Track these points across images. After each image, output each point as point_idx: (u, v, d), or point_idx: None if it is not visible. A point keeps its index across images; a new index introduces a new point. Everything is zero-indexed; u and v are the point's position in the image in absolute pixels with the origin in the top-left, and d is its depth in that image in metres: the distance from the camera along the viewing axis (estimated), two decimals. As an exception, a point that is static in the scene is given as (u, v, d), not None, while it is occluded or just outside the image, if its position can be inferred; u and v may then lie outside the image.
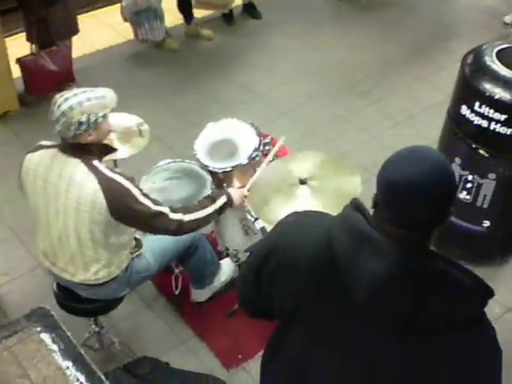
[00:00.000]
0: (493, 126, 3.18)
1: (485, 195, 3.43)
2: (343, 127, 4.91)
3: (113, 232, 2.60)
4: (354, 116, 5.02)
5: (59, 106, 2.42)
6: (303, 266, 1.57)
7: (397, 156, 1.45)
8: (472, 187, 3.43)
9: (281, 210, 2.75)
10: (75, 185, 2.49)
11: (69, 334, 2.07)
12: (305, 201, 2.83)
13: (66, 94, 2.47)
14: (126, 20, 5.59)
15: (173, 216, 2.63)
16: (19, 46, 5.03)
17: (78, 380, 1.93)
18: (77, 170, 2.50)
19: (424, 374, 1.49)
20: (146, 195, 2.58)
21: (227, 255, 3.56)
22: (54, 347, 2.02)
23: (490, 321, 1.53)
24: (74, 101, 2.42)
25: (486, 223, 3.55)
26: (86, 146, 2.52)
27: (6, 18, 4.92)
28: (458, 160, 3.41)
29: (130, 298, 3.19)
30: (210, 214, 2.80)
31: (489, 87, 3.16)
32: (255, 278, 1.71)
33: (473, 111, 3.24)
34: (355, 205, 1.53)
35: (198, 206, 2.79)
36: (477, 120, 3.23)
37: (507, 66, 3.19)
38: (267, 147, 3.39)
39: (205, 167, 3.28)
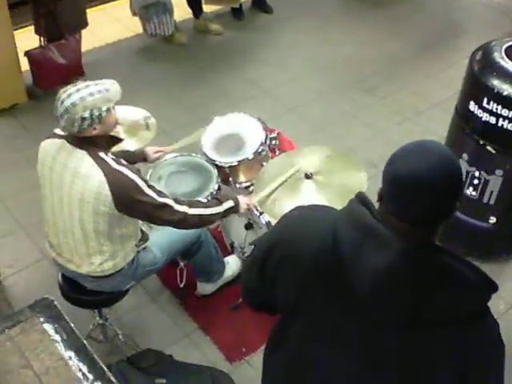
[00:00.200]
0: (501, 122, 3.17)
1: (491, 191, 3.42)
2: (350, 123, 4.90)
3: (117, 223, 2.60)
4: (362, 112, 5.01)
5: (62, 103, 2.42)
6: (308, 259, 1.57)
7: (403, 150, 1.45)
8: (479, 183, 3.42)
9: (286, 205, 2.75)
10: (80, 176, 2.50)
11: (72, 324, 2.08)
12: (310, 195, 2.83)
13: (69, 89, 2.46)
14: (134, 14, 5.61)
15: (177, 208, 2.63)
16: (28, 39, 5.04)
17: (80, 370, 1.94)
18: (83, 161, 2.51)
19: (428, 368, 1.49)
20: (151, 186, 2.59)
21: (232, 249, 3.57)
22: (57, 338, 2.03)
23: (494, 316, 1.52)
24: (77, 97, 2.42)
25: (493, 219, 3.54)
26: (91, 139, 2.52)
27: (15, 12, 4.91)
28: (465, 156, 3.40)
29: (135, 290, 3.20)
30: (214, 214, 2.79)
31: (497, 83, 3.15)
32: (259, 271, 1.71)
33: (481, 107, 3.23)
34: (360, 198, 1.52)
35: (203, 204, 2.80)
36: (485, 116, 3.22)
37: (516, 63, 3.18)
38: (274, 142, 3.39)
39: (211, 161, 3.28)
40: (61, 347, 2.01)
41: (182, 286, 3.47)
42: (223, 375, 3.07)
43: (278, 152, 3.41)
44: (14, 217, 4.03)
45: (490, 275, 1.46)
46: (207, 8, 6.03)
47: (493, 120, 3.19)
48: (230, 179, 3.26)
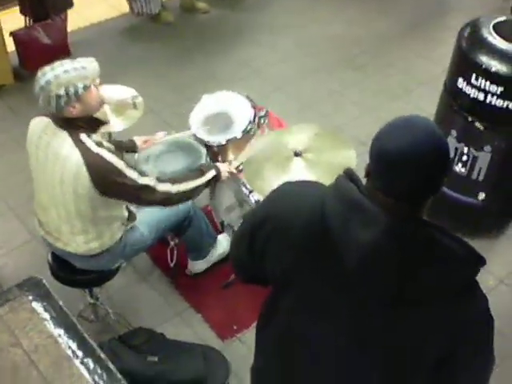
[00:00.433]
0: (489, 98, 3.16)
1: (480, 168, 3.43)
2: (339, 101, 4.89)
3: (100, 206, 2.59)
4: (350, 90, 5.00)
5: (38, 81, 2.41)
6: (296, 233, 1.57)
7: (389, 126, 1.44)
8: (467, 160, 3.43)
9: (275, 183, 2.74)
10: (60, 157, 2.49)
11: (61, 302, 2.08)
12: (299, 173, 2.82)
13: (46, 68, 2.44)
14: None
15: (160, 187, 2.62)
16: (13, 19, 4.98)
17: (69, 348, 1.95)
18: (64, 143, 2.49)
19: (414, 347, 1.49)
20: (131, 167, 2.57)
21: (222, 228, 3.57)
22: (46, 316, 2.03)
23: (482, 290, 1.53)
24: (51, 75, 2.40)
25: (481, 196, 3.56)
26: (72, 120, 2.50)
27: (0, -8, 4.89)
28: (453, 133, 3.40)
29: (126, 269, 3.20)
30: (198, 186, 2.80)
31: (485, 60, 3.14)
32: (249, 246, 1.72)
33: (469, 84, 3.22)
34: (348, 174, 1.52)
35: (186, 177, 2.79)
36: (473, 93, 3.22)
37: (504, 39, 3.17)
38: (262, 120, 3.38)
39: (200, 140, 3.27)
40: (50, 325, 2.01)
41: (172, 265, 3.47)
42: (215, 352, 3.08)
43: (266, 130, 3.39)
44: (3, 198, 4.01)
45: (480, 251, 1.46)
46: (193, -14, 5.98)
47: (481, 96, 3.19)
48: (219, 158, 3.25)
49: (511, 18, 3.41)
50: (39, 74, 2.43)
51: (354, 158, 2.83)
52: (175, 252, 3.45)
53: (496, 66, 3.10)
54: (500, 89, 3.11)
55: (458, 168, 3.48)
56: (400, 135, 1.40)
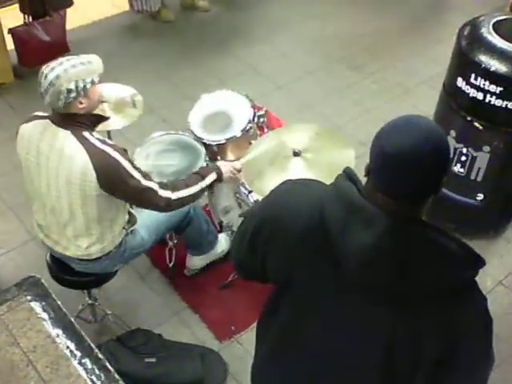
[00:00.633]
0: (488, 98, 3.16)
1: (479, 168, 3.42)
2: (338, 101, 4.89)
3: (105, 206, 2.58)
4: (350, 90, 5.00)
5: (46, 77, 2.39)
6: (296, 234, 1.57)
7: (390, 126, 1.44)
8: (466, 160, 3.43)
9: (274, 183, 2.74)
10: (65, 157, 2.47)
11: (59, 302, 2.08)
12: (298, 173, 2.81)
13: (52, 63, 2.43)
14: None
15: (162, 193, 2.62)
16: (13, 17, 4.97)
17: (67, 348, 1.95)
18: (67, 141, 2.47)
19: (415, 345, 1.49)
20: (137, 168, 2.56)
21: (221, 228, 3.57)
22: (44, 315, 2.03)
23: (481, 291, 1.53)
24: (61, 69, 2.39)
25: (480, 196, 3.55)
26: (76, 117, 2.49)
27: (0, -10, 4.88)
28: (452, 133, 3.39)
29: (124, 270, 3.19)
30: (198, 192, 2.79)
31: (485, 59, 3.13)
32: (249, 246, 1.72)
33: (468, 83, 3.22)
34: (347, 174, 1.52)
35: (187, 183, 2.78)
36: (472, 92, 3.22)
37: (504, 38, 3.16)
38: (261, 119, 3.38)
39: (199, 139, 3.27)
40: (48, 325, 2.01)
41: (171, 265, 3.47)
42: (213, 354, 3.09)
43: (266, 130, 3.40)
44: (2, 197, 4.01)
45: (478, 252, 1.46)
46: (194, -16, 5.97)
47: (480, 96, 3.18)
48: (219, 157, 3.24)
49: (511, 17, 3.40)
50: (46, 69, 2.41)
51: (353, 158, 2.83)
52: (174, 252, 3.46)
53: (495, 65, 3.10)
54: (499, 88, 3.10)
55: (457, 168, 3.48)
56: (400, 135, 1.39)
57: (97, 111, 2.66)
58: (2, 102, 4.78)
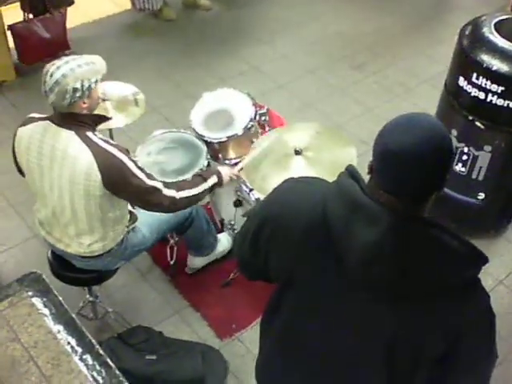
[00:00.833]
0: (489, 97, 3.16)
1: (480, 167, 3.42)
2: (340, 100, 4.89)
3: (108, 205, 2.58)
4: (351, 89, 5.00)
5: (52, 75, 2.38)
6: (298, 231, 1.57)
7: (393, 124, 1.44)
8: (467, 159, 3.43)
9: (276, 181, 2.74)
10: (69, 157, 2.46)
11: (60, 298, 2.08)
12: (300, 172, 2.82)
13: (57, 62, 2.42)
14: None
15: (166, 192, 2.62)
16: (15, 15, 4.97)
17: (68, 344, 1.95)
18: (71, 142, 2.46)
19: (417, 342, 1.50)
20: (140, 168, 2.55)
21: (222, 226, 3.57)
22: (46, 311, 2.03)
23: (484, 288, 1.53)
24: (67, 68, 2.38)
25: (481, 196, 3.55)
26: (78, 117, 2.48)
27: (2, -12, 4.87)
28: (454, 132, 3.39)
29: (125, 268, 3.19)
30: (201, 193, 2.80)
31: (486, 59, 3.13)
32: (252, 245, 1.72)
33: (470, 83, 3.22)
34: (350, 172, 1.52)
35: (190, 184, 2.79)
36: (474, 92, 3.22)
37: (505, 38, 3.16)
38: (263, 118, 3.38)
39: (200, 137, 3.27)
40: (49, 321, 2.01)
41: (172, 263, 3.48)
42: (213, 351, 3.08)
43: (267, 128, 3.40)
44: (4, 195, 4.01)
45: (479, 251, 1.46)
46: (196, -17, 5.98)
47: (482, 95, 3.18)
48: (220, 155, 3.25)
49: (512, 16, 3.41)
50: (52, 67, 2.40)
51: (355, 157, 2.83)
52: (175, 250, 3.46)
53: (497, 64, 3.10)
54: (501, 88, 3.10)
55: (458, 168, 3.48)
56: (402, 133, 1.40)
57: (99, 109, 2.66)
58: (4, 100, 4.78)
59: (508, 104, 3.13)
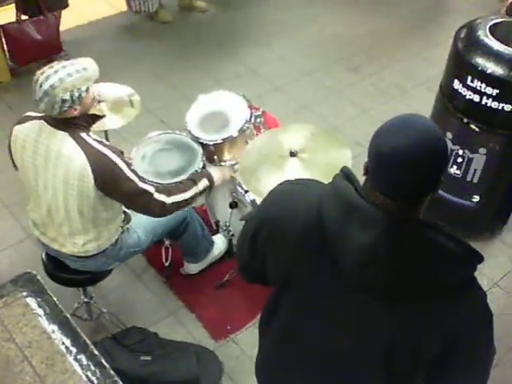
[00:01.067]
0: (484, 100, 3.17)
1: (475, 170, 3.43)
2: (335, 102, 4.90)
3: (101, 206, 2.58)
4: (347, 91, 5.01)
5: (41, 86, 2.36)
6: (294, 234, 1.58)
7: (386, 126, 1.45)
8: (462, 162, 3.44)
9: (271, 183, 2.74)
10: (63, 158, 2.46)
11: (55, 298, 2.08)
12: (295, 173, 2.82)
13: (47, 70, 2.39)
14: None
15: (157, 196, 2.62)
16: (9, 17, 4.96)
17: (63, 344, 1.95)
18: (64, 143, 2.46)
19: (415, 342, 1.50)
20: (133, 171, 2.56)
21: (218, 228, 3.57)
22: (40, 311, 2.03)
23: (481, 286, 1.54)
24: (55, 78, 2.36)
25: (476, 198, 3.56)
26: (72, 120, 2.48)
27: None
28: (449, 135, 3.40)
29: (120, 269, 3.19)
30: (191, 197, 2.81)
31: (481, 61, 3.14)
32: (250, 248, 1.73)
33: (465, 86, 3.23)
34: (345, 173, 1.53)
35: (180, 188, 2.79)
36: (469, 94, 3.23)
37: (500, 41, 3.17)
38: (258, 119, 3.38)
39: (196, 139, 3.27)
40: (43, 321, 2.01)
41: (167, 264, 3.47)
42: (208, 353, 3.09)
43: (262, 130, 3.40)
44: (-2, 195, 4.01)
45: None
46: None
47: (476, 98, 3.19)
48: (215, 157, 3.25)
49: (507, 19, 3.42)
50: (41, 77, 2.38)
51: (350, 158, 2.83)
52: (170, 251, 3.46)
53: (492, 67, 3.11)
54: (495, 91, 3.11)
55: (453, 170, 3.49)
56: (396, 135, 1.40)
57: (94, 111, 2.65)
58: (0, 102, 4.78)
59: (503, 107, 3.14)
